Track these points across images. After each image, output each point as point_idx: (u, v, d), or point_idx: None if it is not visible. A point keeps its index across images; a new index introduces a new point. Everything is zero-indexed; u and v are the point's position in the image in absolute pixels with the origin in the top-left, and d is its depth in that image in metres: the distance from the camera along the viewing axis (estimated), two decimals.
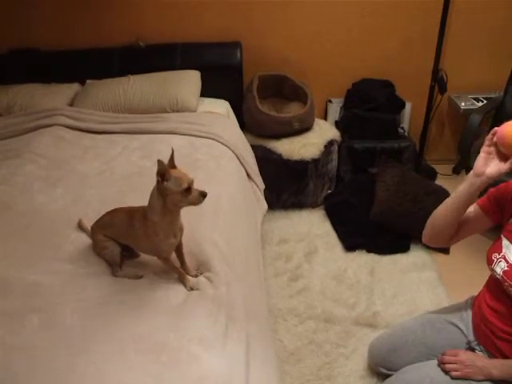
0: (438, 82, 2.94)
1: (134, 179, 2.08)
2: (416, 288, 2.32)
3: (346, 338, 2.06)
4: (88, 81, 2.83)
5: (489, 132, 1.33)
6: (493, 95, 3.01)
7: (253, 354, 1.35)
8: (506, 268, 1.36)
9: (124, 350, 1.28)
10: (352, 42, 3.02)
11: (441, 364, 1.48)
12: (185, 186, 1.37)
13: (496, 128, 1.30)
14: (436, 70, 2.93)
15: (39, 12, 2.85)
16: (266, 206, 2.53)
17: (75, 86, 2.84)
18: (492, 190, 1.47)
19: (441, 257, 2.55)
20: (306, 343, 2.04)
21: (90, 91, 2.74)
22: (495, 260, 1.40)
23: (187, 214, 1.81)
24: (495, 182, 1.37)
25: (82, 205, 1.90)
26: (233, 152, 2.38)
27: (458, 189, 1.41)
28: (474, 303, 1.61)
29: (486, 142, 1.34)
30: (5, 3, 2.82)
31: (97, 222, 1.64)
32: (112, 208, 1.61)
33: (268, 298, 2.06)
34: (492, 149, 1.32)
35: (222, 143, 2.38)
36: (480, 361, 1.45)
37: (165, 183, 1.37)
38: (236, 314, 1.45)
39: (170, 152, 1.42)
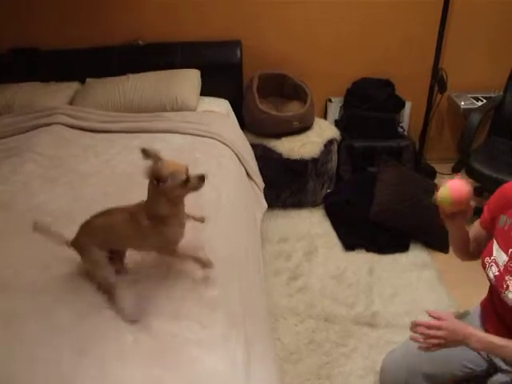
0: (438, 82, 2.95)
1: (134, 177, 2.06)
2: (415, 287, 2.33)
3: (346, 337, 2.07)
4: (88, 79, 2.83)
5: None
6: (492, 94, 3.01)
7: (253, 354, 1.35)
8: (497, 273, 1.32)
9: (124, 352, 1.28)
10: (352, 42, 3.02)
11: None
12: (183, 177, 1.34)
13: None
14: (436, 70, 2.93)
15: (39, 11, 2.85)
16: (265, 204, 2.53)
17: (75, 85, 2.83)
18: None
19: (440, 256, 2.55)
20: (306, 342, 2.05)
21: (89, 90, 2.74)
22: (487, 264, 1.36)
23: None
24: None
25: (83, 202, 1.89)
26: (232, 151, 2.38)
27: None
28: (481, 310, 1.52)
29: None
30: (5, 2, 2.81)
31: (84, 227, 1.47)
32: (112, 205, 1.56)
33: (268, 297, 2.06)
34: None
35: (221, 142, 2.38)
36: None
37: (161, 184, 1.32)
38: (235, 313, 1.45)
39: (166, 152, 1.39)
